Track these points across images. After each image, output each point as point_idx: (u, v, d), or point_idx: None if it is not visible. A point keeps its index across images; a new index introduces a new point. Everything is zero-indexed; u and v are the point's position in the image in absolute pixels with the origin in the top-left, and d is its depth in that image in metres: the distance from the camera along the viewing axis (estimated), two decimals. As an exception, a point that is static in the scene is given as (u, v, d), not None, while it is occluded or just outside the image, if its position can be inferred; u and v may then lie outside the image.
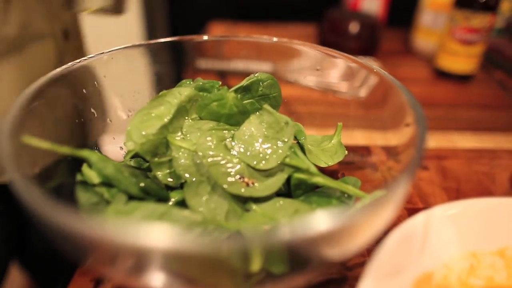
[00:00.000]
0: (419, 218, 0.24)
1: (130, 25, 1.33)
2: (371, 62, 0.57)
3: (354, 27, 0.60)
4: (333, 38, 0.63)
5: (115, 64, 0.30)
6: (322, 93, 0.36)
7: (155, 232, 0.16)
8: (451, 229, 0.24)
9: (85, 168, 0.25)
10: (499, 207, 0.25)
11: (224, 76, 0.53)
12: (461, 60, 0.56)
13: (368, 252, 0.24)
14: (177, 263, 0.19)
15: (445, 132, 0.50)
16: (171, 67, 0.36)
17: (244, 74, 0.42)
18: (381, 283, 0.21)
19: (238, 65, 0.51)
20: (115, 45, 0.30)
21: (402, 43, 0.73)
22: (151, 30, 1.30)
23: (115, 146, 0.31)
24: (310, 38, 0.71)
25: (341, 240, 0.19)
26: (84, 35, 0.57)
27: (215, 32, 0.77)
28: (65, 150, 0.24)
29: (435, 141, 0.47)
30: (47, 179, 0.23)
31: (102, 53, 0.29)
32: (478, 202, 0.25)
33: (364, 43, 0.61)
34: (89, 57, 0.28)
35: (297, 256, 0.20)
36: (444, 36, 0.58)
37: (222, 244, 0.17)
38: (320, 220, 0.16)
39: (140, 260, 0.19)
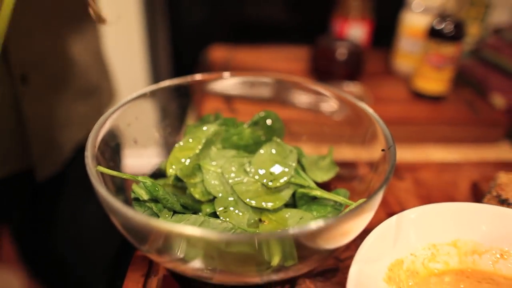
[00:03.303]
0: (393, 219, 0.32)
1: (133, 46, 1.41)
2: (355, 88, 0.65)
3: (341, 55, 0.69)
4: (323, 65, 0.71)
5: (131, 113, 0.38)
6: (315, 114, 0.44)
7: (204, 230, 0.24)
8: (417, 226, 0.33)
9: (135, 187, 0.33)
10: (453, 209, 0.34)
11: (229, 100, 0.61)
12: (434, 83, 0.65)
13: (356, 247, 0.32)
14: (219, 253, 0.27)
15: (420, 146, 0.59)
16: (178, 102, 0.43)
17: (248, 98, 0.51)
18: (365, 268, 0.29)
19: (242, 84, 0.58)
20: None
21: (384, 64, 0.82)
22: (153, 52, 1.38)
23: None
24: (302, 61, 0.79)
25: (335, 236, 0.27)
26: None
27: (216, 56, 0.85)
28: (127, 176, 0.32)
29: (411, 154, 0.55)
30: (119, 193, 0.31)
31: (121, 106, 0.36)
32: (438, 206, 0.34)
33: (350, 69, 0.70)
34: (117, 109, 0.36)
35: (304, 250, 0.28)
36: (420, 61, 0.66)
37: (254, 236, 0.25)
38: (319, 222, 0.24)
39: (190, 249, 0.27)
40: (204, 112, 0.45)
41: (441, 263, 0.32)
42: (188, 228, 0.25)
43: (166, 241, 0.26)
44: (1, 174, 0.52)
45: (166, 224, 0.24)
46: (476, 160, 0.55)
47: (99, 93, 0.63)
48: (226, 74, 0.43)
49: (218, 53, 0.86)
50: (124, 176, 0.32)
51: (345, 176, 0.41)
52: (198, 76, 0.42)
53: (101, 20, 0.38)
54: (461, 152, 0.58)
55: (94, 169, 0.28)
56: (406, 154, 0.57)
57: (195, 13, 1.24)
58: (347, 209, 0.31)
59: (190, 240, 0.25)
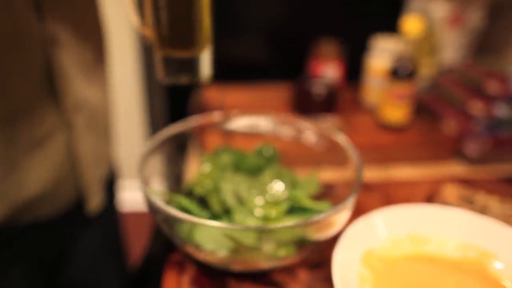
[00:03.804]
0: (365, 218, 0.44)
1: (130, 82, 1.53)
2: (332, 120, 0.78)
3: (318, 93, 0.82)
4: (303, 102, 0.84)
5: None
6: (300, 144, 0.56)
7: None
8: (382, 223, 0.44)
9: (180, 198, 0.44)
10: (409, 210, 0.46)
11: (228, 135, 0.72)
12: (396, 114, 0.79)
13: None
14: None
15: (386, 167, 0.71)
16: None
17: (245, 133, 0.62)
18: (345, 254, 0.40)
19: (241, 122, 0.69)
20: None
21: (355, 97, 0.95)
22: (150, 93, 1.49)
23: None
24: (285, 99, 0.92)
25: (322, 227, 0.39)
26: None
27: (209, 94, 0.97)
28: (171, 195, 0.43)
29: (379, 173, 0.68)
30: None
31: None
32: (398, 208, 0.46)
33: (326, 104, 0.83)
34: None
35: (300, 241, 0.40)
36: (383, 96, 0.80)
37: (264, 226, 0.36)
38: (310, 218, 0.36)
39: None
40: (207, 145, 0.57)
41: (400, 250, 0.44)
42: (214, 222, 0.36)
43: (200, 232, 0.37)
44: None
45: (203, 220, 0.35)
46: (430, 175, 0.67)
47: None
48: (231, 114, 0.55)
49: (210, 91, 0.99)
50: (169, 195, 0.43)
51: (327, 191, 0.53)
52: (203, 119, 0.54)
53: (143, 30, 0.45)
54: (420, 170, 0.71)
55: (147, 190, 0.40)
56: (374, 173, 0.69)
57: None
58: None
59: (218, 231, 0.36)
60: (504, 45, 0.94)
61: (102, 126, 0.62)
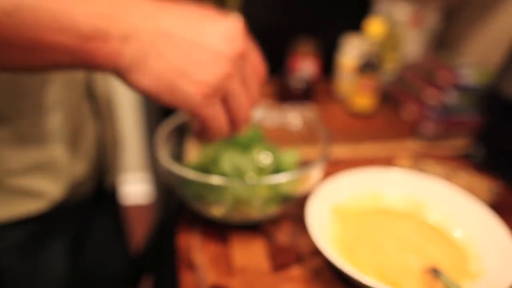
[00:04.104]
0: (332, 179, 0.56)
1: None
2: (309, 109, 0.90)
3: (296, 88, 0.95)
4: (284, 94, 0.97)
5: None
6: (283, 127, 0.69)
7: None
8: (347, 183, 0.57)
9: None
10: (368, 172, 0.59)
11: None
12: (364, 103, 0.92)
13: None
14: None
15: (355, 146, 0.84)
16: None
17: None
18: (318, 205, 0.53)
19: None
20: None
21: (329, 89, 1.08)
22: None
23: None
24: (269, 91, 1.05)
25: (298, 184, 0.51)
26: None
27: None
28: (196, 170, 0.55)
29: (348, 151, 0.81)
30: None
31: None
32: (359, 171, 0.58)
33: (304, 96, 0.95)
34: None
35: (282, 197, 0.52)
36: (353, 88, 0.93)
37: (253, 180, 0.48)
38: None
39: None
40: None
41: (361, 204, 0.57)
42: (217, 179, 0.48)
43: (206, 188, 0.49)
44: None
45: (207, 177, 0.47)
46: (391, 151, 0.81)
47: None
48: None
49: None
50: (180, 164, 0.55)
51: (303, 162, 0.65)
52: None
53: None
54: (383, 147, 0.84)
55: (166, 159, 0.51)
56: (344, 151, 0.82)
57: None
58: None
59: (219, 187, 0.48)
60: (457, 41, 1.08)
61: (113, 113, 0.73)
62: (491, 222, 0.51)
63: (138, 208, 1.92)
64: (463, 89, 0.85)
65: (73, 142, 0.59)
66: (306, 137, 0.65)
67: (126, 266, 0.83)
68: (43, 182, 0.55)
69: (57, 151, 0.56)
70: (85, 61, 0.37)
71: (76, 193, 0.63)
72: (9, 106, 0.50)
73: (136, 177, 1.99)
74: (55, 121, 0.55)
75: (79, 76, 0.59)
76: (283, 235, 0.56)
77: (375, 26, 0.90)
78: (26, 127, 0.52)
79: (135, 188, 1.99)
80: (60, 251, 0.62)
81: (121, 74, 0.39)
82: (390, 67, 1.05)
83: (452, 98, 0.87)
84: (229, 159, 0.57)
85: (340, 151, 0.80)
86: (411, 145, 0.85)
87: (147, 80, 0.39)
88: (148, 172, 1.91)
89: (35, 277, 0.59)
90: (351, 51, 0.98)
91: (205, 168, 0.58)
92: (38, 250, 0.58)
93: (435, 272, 0.45)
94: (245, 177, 0.55)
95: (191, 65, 0.39)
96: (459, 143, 0.84)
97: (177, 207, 0.60)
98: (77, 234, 0.67)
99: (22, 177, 0.53)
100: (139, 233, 1.10)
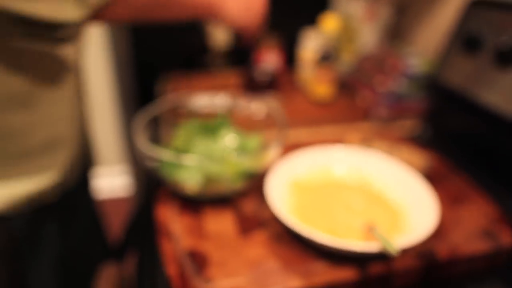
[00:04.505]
0: (289, 156, 0.65)
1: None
2: (272, 98, 0.99)
3: (261, 80, 1.03)
4: (251, 85, 1.05)
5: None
6: (247, 113, 0.77)
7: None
8: (301, 159, 0.66)
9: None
10: (320, 150, 0.68)
11: (191, 113, 0.92)
12: (323, 92, 1.01)
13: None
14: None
15: (315, 129, 0.94)
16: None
17: (206, 108, 0.83)
18: (276, 179, 0.62)
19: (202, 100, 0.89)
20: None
21: (292, 79, 1.18)
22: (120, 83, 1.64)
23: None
24: (238, 82, 1.13)
25: (260, 162, 0.60)
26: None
27: (176, 82, 1.16)
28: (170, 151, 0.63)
29: (308, 135, 0.90)
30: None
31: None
32: (313, 149, 0.68)
33: (268, 86, 1.04)
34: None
35: (247, 173, 0.61)
36: (313, 78, 1.02)
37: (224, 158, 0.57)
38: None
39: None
40: (178, 119, 0.77)
41: (316, 179, 0.67)
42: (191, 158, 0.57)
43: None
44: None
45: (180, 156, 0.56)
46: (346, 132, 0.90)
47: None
48: (194, 94, 0.75)
49: (174, 78, 1.18)
50: (158, 147, 0.63)
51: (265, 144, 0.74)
52: (172, 98, 0.74)
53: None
54: (339, 130, 0.94)
55: (145, 143, 0.59)
56: (305, 135, 0.92)
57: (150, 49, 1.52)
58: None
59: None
60: (407, 33, 1.19)
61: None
62: (421, 188, 0.61)
63: (118, 201, 1.98)
64: (410, 77, 0.96)
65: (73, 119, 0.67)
66: (268, 123, 0.73)
67: (108, 247, 0.90)
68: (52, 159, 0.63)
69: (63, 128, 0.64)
70: (200, 13, 0.64)
71: (68, 178, 0.69)
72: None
73: (115, 170, 2.05)
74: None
75: None
76: (249, 206, 0.64)
77: (330, 21, 0.99)
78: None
79: (114, 182, 2.05)
80: (52, 232, 0.69)
81: (219, 14, 0.66)
82: (347, 58, 1.15)
83: (401, 85, 0.97)
84: (201, 143, 0.66)
85: (302, 134, 0.90)
86: (364, 127, 0.95)
87: (235, 10, 0.66)
88: (127, 164, 1.97)
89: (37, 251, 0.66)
90: (310, 44, 1.08)
91: (180, 151, 0.66)
92: (37, 228, 0.66)
93: (371, 229, 0.55)
94: (215, 158, 0.64)
95: None
96: (407, 125, 0.94)
97: (156, 188, 0.68)
98: (63, 219, 0.73)
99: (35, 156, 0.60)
100: (116, 225, 1.14)
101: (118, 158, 2.02)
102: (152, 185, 0.73)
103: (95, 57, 1.69)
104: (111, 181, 2.05)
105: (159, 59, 1.34)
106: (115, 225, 1.14)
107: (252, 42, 1.04)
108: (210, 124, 0.69)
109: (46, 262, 0.68)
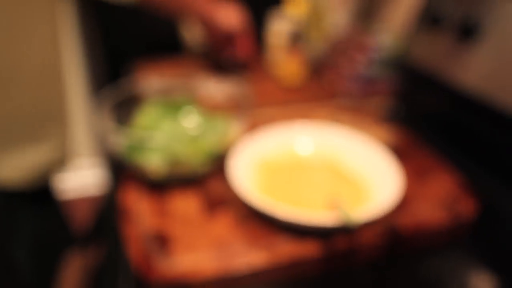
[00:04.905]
0: (253, 135, 0.65)
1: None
2: (241, 80, 0.98)
3: (230, 63, 1.03)
4: (220, 67, 1.05)
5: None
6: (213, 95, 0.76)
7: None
8: (267, 138, 0.66)
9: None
10: (285, 128, 0.68)
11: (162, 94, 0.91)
12: (292, 75, 1.01)
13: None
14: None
15: (284, 110, 0.93)
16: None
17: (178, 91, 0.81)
18: (240, 161, 0.61)
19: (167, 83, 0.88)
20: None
21: (262, 65, 1.17)
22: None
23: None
24: (209, 68, 1.12)
25: (224, 144, 0.60)
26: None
27: (142, 67, 1.14)
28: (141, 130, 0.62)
29: (277, 116, 0.90)
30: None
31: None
32: (278, 127, 0.67)
33: (237, 68, 1.03)
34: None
35: (212, 154, 0.60)
36: (282, 62, 1.02)
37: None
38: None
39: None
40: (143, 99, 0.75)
41: (283, 158, 0.66)
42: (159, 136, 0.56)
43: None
44: None
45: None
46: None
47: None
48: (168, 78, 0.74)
49: (144, 63, 1.16)
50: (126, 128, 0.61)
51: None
52: (140, 83, 0.72)
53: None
54: (308, 110, 0.94)
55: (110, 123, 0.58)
56: (275, 116, 0.91)
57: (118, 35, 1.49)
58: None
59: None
60: (377, 13, 1.19)
61: None
62: (386, 162, 0.61)
63: (88, 195, 1.94)
64: (380, 54, 0.96)
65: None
66: (235, 104, 0.73)
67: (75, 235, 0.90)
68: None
69: None
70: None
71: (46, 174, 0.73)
72: None
73: (87, 162, 2.01)
74: None
75: None
76: (214, 187, 0.64)
77: (299, 2, 0.99)
78: None
79: (85, 174, 2.01)
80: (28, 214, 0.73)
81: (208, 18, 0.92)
82: (317, 41, 1.15)
83: (370, 63, 0.97)
84: (165, 124, 0.65)
85: (268, 113, 0.89)
86: (332, 105, 0.95)
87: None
88: (99, 156, 1.94)
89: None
90: (277, 27, 1.06)
91: (144, 133, 0.65)
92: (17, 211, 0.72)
93: (334, 205, 0.55)
94: (180, 139, 0.63)
95: None
96: (377, 103, 0.95)
97: (122, 173, 0.66)
98: (37, 204, 0.77)
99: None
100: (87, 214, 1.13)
101: (90, 149, 1.97)
102: (118, 171, 0.72)
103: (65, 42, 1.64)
104: (83, 174, 2.01)
105: (129, 44, 1.31)
106: (84, 214, 1.13)
107: (243, 61, 1.07)
108: (175, 104, 0.68)
109: (22, 239, 0.72)
